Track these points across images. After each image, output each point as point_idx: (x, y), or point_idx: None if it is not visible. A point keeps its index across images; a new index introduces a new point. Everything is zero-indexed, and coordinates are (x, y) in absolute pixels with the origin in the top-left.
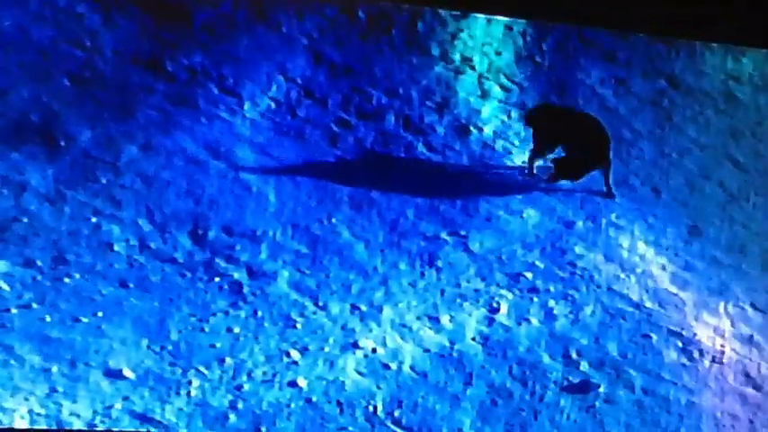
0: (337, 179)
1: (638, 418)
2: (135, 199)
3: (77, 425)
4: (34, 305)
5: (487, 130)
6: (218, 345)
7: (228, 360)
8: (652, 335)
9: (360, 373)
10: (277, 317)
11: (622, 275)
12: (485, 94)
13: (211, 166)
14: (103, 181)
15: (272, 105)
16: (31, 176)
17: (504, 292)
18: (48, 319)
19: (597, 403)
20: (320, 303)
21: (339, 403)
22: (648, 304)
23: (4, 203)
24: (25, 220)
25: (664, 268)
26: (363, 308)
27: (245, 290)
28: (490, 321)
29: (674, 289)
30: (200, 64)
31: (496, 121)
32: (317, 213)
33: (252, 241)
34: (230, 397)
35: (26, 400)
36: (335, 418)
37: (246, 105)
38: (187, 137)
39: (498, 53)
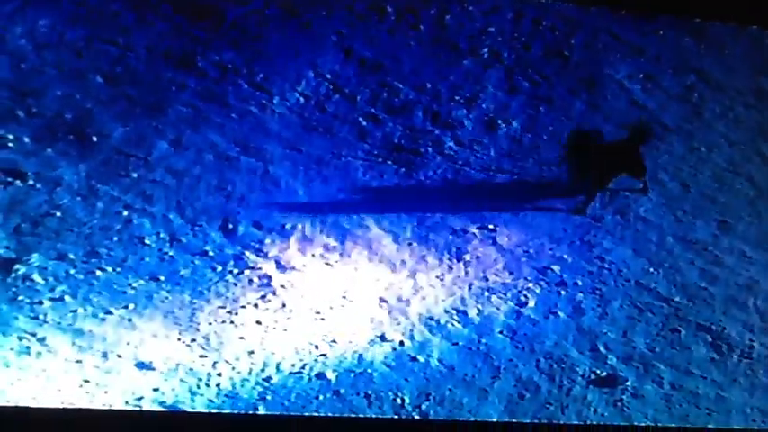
0: (366, 173)
1: (666, 412)
2: (166, 194)
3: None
4: (67, 298)
5: (515, 125)
6: (247, 337)
7: (258, 352)
8: (681, 329)
9: (388, 365)
10: (306, 310)
11: (651, 270)
12: (513, 89)
13: (242, 161)
14: (135, 176)
15: (302, 101)
16: (65, 172)
17: (531, 285)
18: (80, 311)
19: (625, 397)
20: (348, 296)
21: (367, 395)
22: (677, 298)
23: (37, 198)
24: (58, 214)
25: (692, 263)
26: (391, 301)
27: (275, 283)
28: (518, 315)
29: (702, 283)
30: (231, 61)
31: (524, 116)
32: (346, 207)
33: (281, 235)
34: (259, 389)
35: (59, 390)
36: (363, 410)
37: (276, 101)
38: (217, 132)
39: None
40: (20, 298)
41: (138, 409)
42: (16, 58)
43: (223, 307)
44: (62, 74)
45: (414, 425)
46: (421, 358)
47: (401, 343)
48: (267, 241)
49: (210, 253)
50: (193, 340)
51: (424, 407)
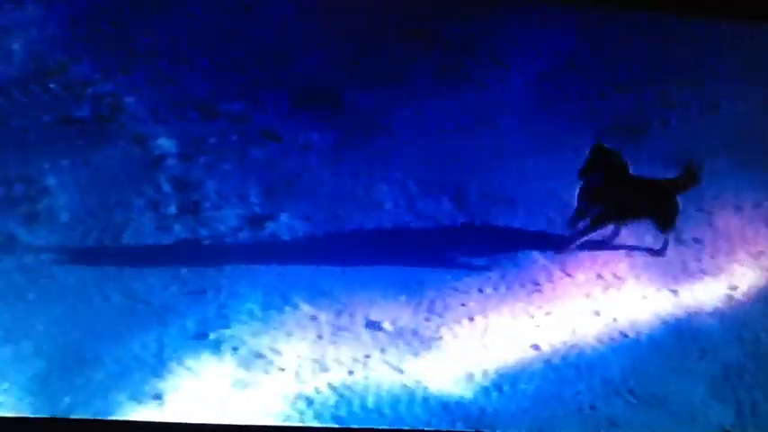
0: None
1: None
2: (406, 161)
3: (338, 371)
4: (309, 257)
5: None
6: (469, 304)
7: (477, 319)
8: None
9: (599, 340)
10: (525, 280)
11: None
12: None
13: (476, 132)
14: (379, 142)
15: (538, 77)
16: (315, 136)
17: (745, 269)
18: (319, 270)
19: None
20: (567, 270)
21: (577, 368)
22: None
23: (289, 161)
24: (307, 176)
25: None
26: (608, 277)
27: (498, 253)
28: (729, 298)
29: None
30: (472, 34)
31: None
32: (574, 179)
33: (509, 206)
34: (481, 355)
35: (297, 345)
36: (573, 382)
37: (513, 75)
38: (456, 103)
39: None
40: (267, 255)
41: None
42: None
43: (449, 274)
44: (316, 43)
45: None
46: (631, 335)
47: (614, 319)
48: (496, 211)
49: (442, 221)
50: (419, 304)
51: (630, 382)
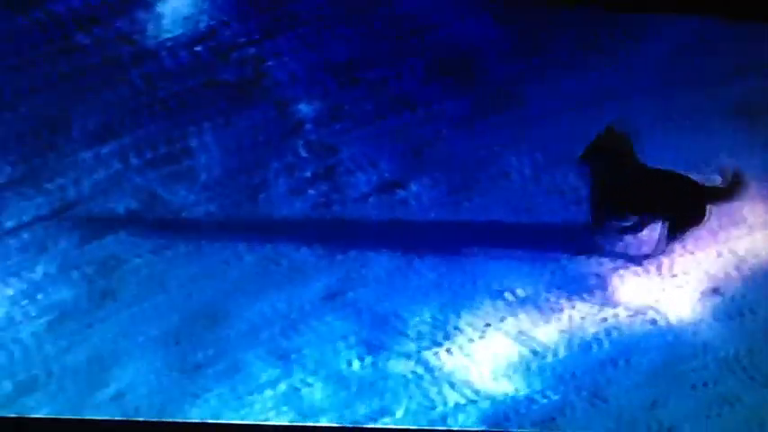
0: (724, 129)
1: None
2: (535, 133)
3: (462, 338)
4: (437, 224)
5: None
6: (589, 276)
7: (597, 292)
8: None
9: (716, 317)
10: (645, 255)
11: None
12: None
13: (606, 107)
14: (510, 113)
15: (671, 54)
16: (448, 105)
17: None
18: (446, 237)
19: None
20: (688, 247)
21: (693, 345)
22: None
23: (423, 129)
24: (440, 145)
25: None
26: (727, 255)
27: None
28: None
29: None
30: (605, 11)
31: None
32: (702, 158)
33: None
34: (599, 327)
35: (420, 311)
36: (690, 360)
37: (645, 52)
38: (589, 77)
39: None
40: (396, 221)
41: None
42: None
43: (574, 246)
44: (457, 17)
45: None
46: (747, 314)
47: (731, 297)
48: None
49: (567, 194)
50: (543, 275)
51: (747, 361)
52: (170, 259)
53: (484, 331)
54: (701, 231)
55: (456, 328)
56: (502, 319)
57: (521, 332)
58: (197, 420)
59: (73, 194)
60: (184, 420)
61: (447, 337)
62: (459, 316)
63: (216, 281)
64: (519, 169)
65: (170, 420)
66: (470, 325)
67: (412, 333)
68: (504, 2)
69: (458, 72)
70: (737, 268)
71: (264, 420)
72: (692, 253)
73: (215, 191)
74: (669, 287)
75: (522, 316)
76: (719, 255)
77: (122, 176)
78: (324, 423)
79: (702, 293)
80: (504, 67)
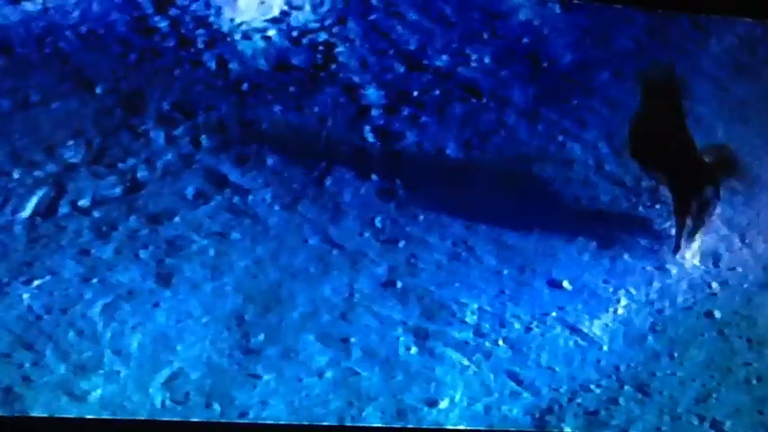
0: None
1: None
2: (599, 122)
3: (517, 326)
4: (497, 212)
5: None
6: (647, 268)
7: (655, 284)
8: None
9: None
10: (706, 247)
11: None
12: None
13: None
14: (574, 102)
15: (734, 45)
16: (515, 93)
17: None
18: (506, 225)
19: None
20: (746, 239)
21: (749, 340)
22: None
23: (488, 116)
24: (503, 132)
25: None
26: None
27: None
28: None
29: None
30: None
31: None
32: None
33: None
34: (651, 319)
35: (477, 297)
36: (743, 353)
37: (713, 41)
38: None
39: None
40: (458, 207)
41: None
42: None
43: (629, 237)
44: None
45: None
46: None
47: None
48: None
49: (628, 184)
50: (599, 265)
51: None
52: (236, 242)
53: (542, 320)
54: (761, 223)
55: (514, 315)
56: (560, 308)
57: (576, 322)
58: (198, 420)
59: (145, 174)
60: (184, 420)
61: (503, 323)
62: (517, 304)
63: (281, 263)
64: (583, 159)
65: (169, 419)
66: (528, 313)
67: (469, 320)
68: None
69: (524, 60)
70: None
71: (316, 405)
72: (750, 247)
73: (283, 174)
74: (728, 280)
75: (579, 306)
76: None
77: (193, 158)
78: (324, 423)
79: (762, 287)
80: (570, 56)
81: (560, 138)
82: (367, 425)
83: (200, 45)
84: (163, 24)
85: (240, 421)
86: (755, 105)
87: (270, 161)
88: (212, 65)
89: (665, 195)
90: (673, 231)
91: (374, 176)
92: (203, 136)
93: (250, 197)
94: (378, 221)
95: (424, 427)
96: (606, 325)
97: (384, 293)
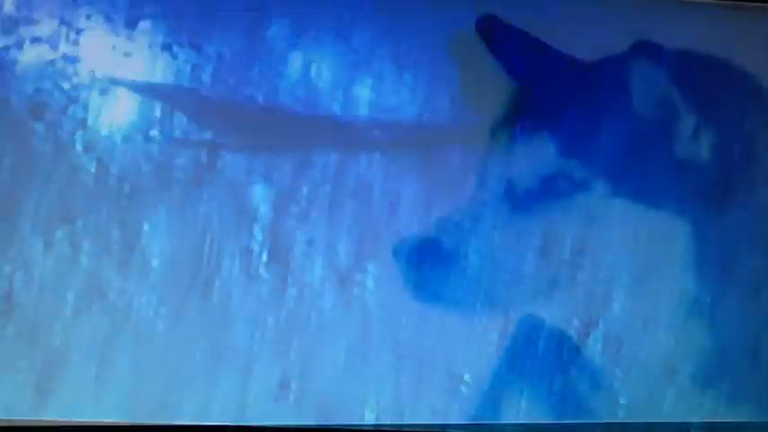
0: None
1: None
2: None
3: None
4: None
5: None
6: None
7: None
8: None
9: None
10: None
11: None
12: None
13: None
14: None
15: None
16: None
17: None
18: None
19: None
20: None
21: None
22: None
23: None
24: None
25: None
26: None
27: None
28: None
29: None
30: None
31: None
32: None
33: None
34: None
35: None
36: None
37: None
38: None
39: None
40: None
41: None
42: None
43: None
44: None
45: None
46: None
47: None
48: None
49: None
50: None
51: None
52: (118, 349)
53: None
54: None
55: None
56: None
57: None
58: (196, 423)
59: (21, 282)
60: (180, 423)
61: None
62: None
63: (165, 374)
64: None
65: (165, 424)
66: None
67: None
68: None
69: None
70: None
71: None
72: None
73: (167, 279)
74: None
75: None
76: None
77: (73, 262)
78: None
79: None
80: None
81: None
82: (367, 424)
83: (79, 147)
84: (39, 128)
85: (241, 422)
86: None
87: (154, 263)
88: (92, 167)
89: None
90: None
91: (264, 275)
92: (84, 240)
93: (134, 302)
94: (269, 322)
95: (422, 423)
96: None
97: (278, 397)
